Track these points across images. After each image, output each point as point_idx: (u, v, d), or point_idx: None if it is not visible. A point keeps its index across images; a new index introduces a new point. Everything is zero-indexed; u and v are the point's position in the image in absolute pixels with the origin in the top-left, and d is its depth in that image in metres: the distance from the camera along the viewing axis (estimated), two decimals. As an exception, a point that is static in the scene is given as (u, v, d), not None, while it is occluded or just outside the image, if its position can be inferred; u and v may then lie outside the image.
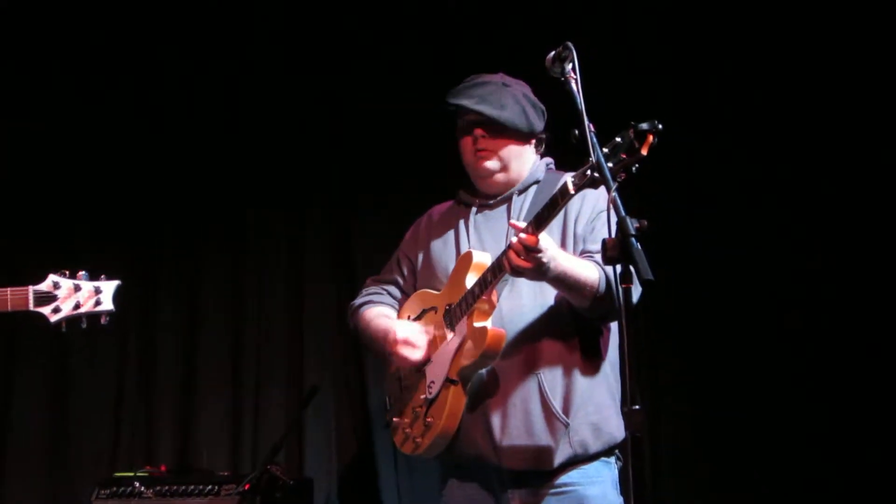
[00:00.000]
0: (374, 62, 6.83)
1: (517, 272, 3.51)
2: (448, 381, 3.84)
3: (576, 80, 3.35)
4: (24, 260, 6.17)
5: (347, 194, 6.75)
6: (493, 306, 3.76)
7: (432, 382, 3.90)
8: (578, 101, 3.33)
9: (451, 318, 3.89)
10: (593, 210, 3.83)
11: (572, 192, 3.40)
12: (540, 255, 3.47)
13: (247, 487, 5.17)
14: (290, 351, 6.49)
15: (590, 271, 3.65)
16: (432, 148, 6.33)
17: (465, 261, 3.90)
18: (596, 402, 3.79)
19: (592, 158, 3.25)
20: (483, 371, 3.81)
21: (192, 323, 6.52)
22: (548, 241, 3.52)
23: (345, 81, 6.85)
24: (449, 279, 3.99)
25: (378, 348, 4.11)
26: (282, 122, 6.84)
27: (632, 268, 2.98)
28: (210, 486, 5.35)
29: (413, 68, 6.72)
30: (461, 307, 3.83)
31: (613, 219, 3.07)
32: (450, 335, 3.89)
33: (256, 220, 6.72)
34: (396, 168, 6.65)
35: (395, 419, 4.12)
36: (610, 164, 3.22)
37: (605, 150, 3.26)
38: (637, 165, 3.20)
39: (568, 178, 3.42)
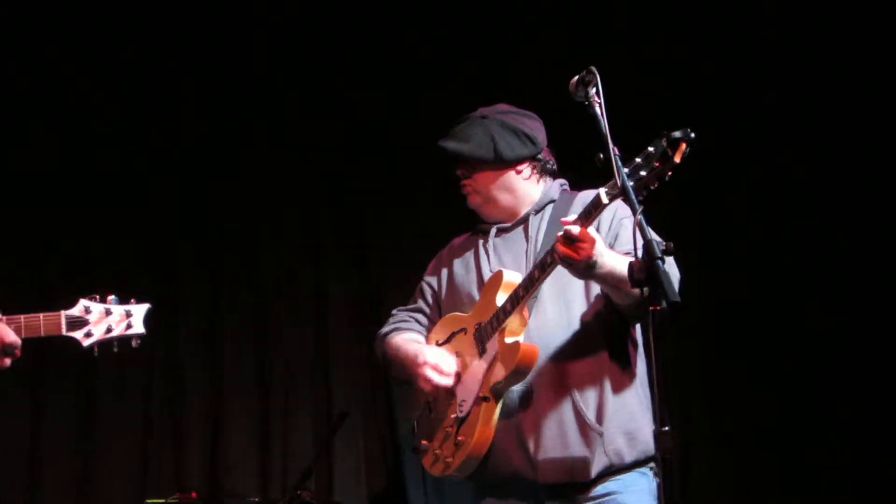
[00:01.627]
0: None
1: (567, 263, 3.46)
2: (480, 399, 3.82)
3: (599, 104, 3.38)
4: (50, 286, 6.24)
5: (368, 220, 6.79)
6: (524, 322, 3.77)
7: (463, 401, 3.88)
8: (603, 124, 3.35)
9: (482, 336, 3.88)
10: (614, 216, 3.83)
11: (606, 201, 3.40)
12: (589, 246, 3.46)
13: (277, 513, 5.17)
14: (316, 377, 6.51)
15: (625, 267, 3.48)
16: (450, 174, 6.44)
17: (495, 280, 3.91)
18: (629, 411, 3.78)
19: (618, 182, 3.29)
20: (514, 387, 3.80)
21: (218, 349, 6.54)
22: (596, 235, 3.49)
23: (371, 101, 6.87)
24: (478, 300, 3.99)
25: (407, 373, 4.08)
26: (301, 144, 6.87)
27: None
28: (239, 512, 5.33)
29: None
30: (492, 325, 3.82)
31: (640, 241, 3.11)
32: (481, 353, 3.88)
33: (278, 246, 6.75)
34: (417, 192, 6.67)
35: (423, 442, 4.09)
36: (643, 174, 3.28)
37: (638, 159, 3.30)
38: (670, 174, 3.24)
39: (601, 190, 3.40)
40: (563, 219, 3.54)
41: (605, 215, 3.83)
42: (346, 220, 6.82)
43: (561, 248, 3.43)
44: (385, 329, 4.26)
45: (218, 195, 6.82)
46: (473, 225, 4.23)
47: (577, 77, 3.43)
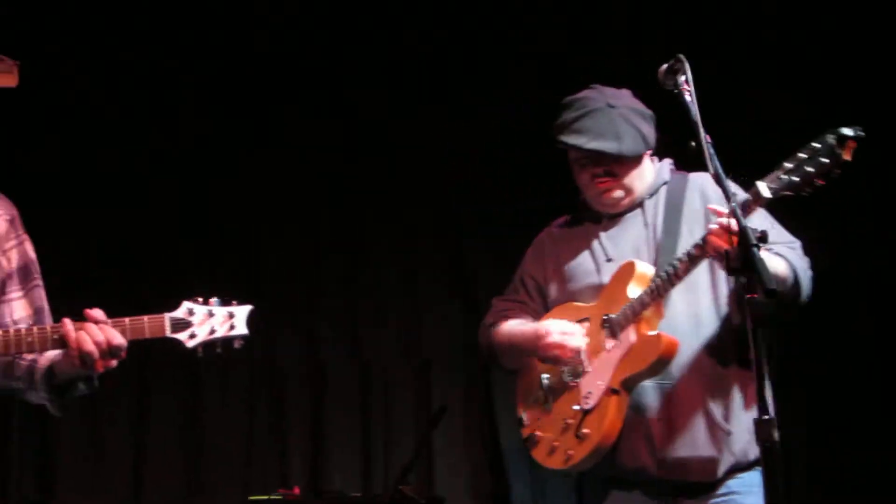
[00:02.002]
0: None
1: (722, 257, 3.36)
2: (610, 391, 3.75)
3: (689, 91, 3.38)
4: (149, 290, 6.30)
5: (459, 212, 6.76)
6: (661, 315, 3.72)
7: (589, 393, 3.79)
8: (693, 112, 3.34)
9: (612, 327, 3.81)
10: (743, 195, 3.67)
11: (769, 195, 3.37)
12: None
13: (379, 508, 5.19)
14: (416, 372, 6.54)
15: (782, 266, 3.62)
16: (540, 161, 6.37)
17: (626, 271, 3.83)
18: (753, 410, 3.56)
19: (711, 170, 3.28)
20: (648, 383, 3.75)
21: (316, 347, 6.60)
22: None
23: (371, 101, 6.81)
24: (604, 290, 3.90)
25: (525, 353, 4.00)
26: (389, 142, 6.83)
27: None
28: (343, 508, 5.37)
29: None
30: (625, 316, 3.76)
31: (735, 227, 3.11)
32: (610, 344, 3.82)
33: (370, 245, 6.76)
34: (507, 180, 6.66)
35: (537, 433, 3.98)
36: (809, 169, 3.27)
37: (803, 154, 3.29)
38: (838, 172, 3.23)
39: (761, 183, 3.38)
40: (713, 207, 3.51)
41: (696, 198, 3.87)
42: (437, 217, 6.81)
43: (716, 241, 3.39)
44: (489, 319, 4.18)
45: (312, 195, 6.84)
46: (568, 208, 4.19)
47: (665, 66, 3.42)
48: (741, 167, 3.78)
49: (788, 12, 6.60)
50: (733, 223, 3.22)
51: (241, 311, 3.45)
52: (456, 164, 6.67)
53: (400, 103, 6.72)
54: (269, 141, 6.85)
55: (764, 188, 3.37)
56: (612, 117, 3.83)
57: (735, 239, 3.23)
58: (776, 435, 2.99)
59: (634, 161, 3.90)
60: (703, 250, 3.46)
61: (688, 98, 3.37)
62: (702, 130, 3.31)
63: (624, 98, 3.92)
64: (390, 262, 6.70)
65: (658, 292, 3.69)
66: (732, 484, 3.70)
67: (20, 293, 3.73)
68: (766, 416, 3.02)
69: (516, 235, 6.10)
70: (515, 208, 6.48)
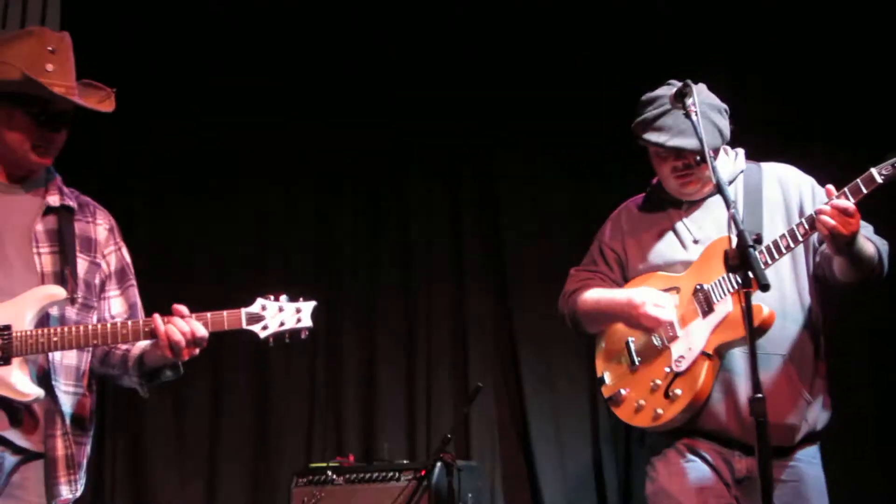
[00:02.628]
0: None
1: (833, 235, 3.39)
2: (704, 355, 3.66)
3: (695, 111, 3.38)
4: (230, 288, 6.23)
5: (497, 197, 6.71)
6: (755, 289, 3.39)
7: (681, 357, 3.69)
8: (699, 130, 3.36)
9: (707, 297, 3.71)
10: (814, 193, 3.75)
11: (880, 181, 3.36)
12: (857, 222, 3.41)
13: (422, 473, 5.16)
14: (454, 354, 6.50)
15: (870, 248, 3.59)
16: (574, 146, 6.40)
17: (719, 245, 3.65)
18: (822, 387, 3.73)
19: (714, 180, 3.28)
20: (738, 349, 3.64)
21: (372, 330, 6.58)
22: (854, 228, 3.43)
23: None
24: (695, 264, 3.78)
25: (614, 318, 3.92)
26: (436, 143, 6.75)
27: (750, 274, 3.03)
28: (391, 473, 5.40)
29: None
30: (721, 287, 3.66)
31: (733, 231, 3.10)
32: (704, 312, 3.72)
33: (420, 235, 6.72)
34: (544, 164, 6.63)
35: (621, 392, 3.87)
36: None
37: None
38: None
39: (875, 169, 3.38)
40: (831, 189, 3.45)
41: (775, 186, 3.83)
42: (478, 203, 6.74)
43: (830, 222, 3.35)
44: (571, 287, 4.07)
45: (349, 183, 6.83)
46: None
47: (675, 90, 3.43)
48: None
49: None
50: (848, 204, 3.36)
51: (307, 307, 3.48)
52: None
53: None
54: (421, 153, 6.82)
55: (876, 174, 3.36)
56: (686, 120, 3.67)
57: (851, 221, 3.38)
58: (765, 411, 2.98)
59: (712, 154, 3.68)
60: (807, 230, 3.43)
61: (694, 118, 3.36)
62: (706, 145, 3.31)
63: (701, 94, 3.77)
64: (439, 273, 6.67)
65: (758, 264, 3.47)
66: (801, 454, 3.65)
67: (117, 292, 3.75)
68: (759, 395, 3.01)
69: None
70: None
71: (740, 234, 3.03)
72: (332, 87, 6.69)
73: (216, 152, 6.70)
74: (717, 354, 3.64)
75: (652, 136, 3.77)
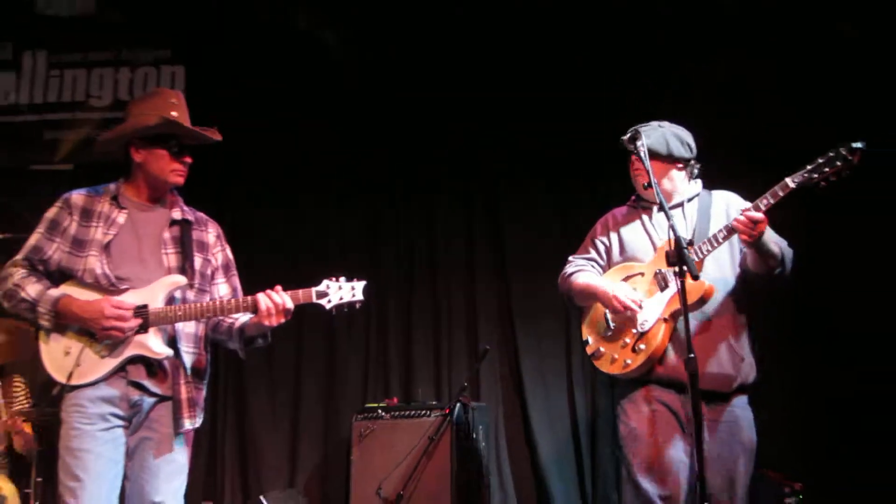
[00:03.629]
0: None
1: (747, 235, 3.41)
2: (661, 320, 3.65)
3: (644, 153, 3.36)
4: (301, 271, 6.12)
5: (498, 206, 6.55)
6: (701, 269, 3.60)
7: (645, 321, 3.67)
8: (647, 165, 3.35)
9: (664, 277, 3.69)
10: (728, 208, 3.74)
11: (793, 186, 3.34)
12: (764, 226, 3.42)
13: (446, 411, 5.18)
14: (468, 323, 6.42)
15: (775, 248, 3.57)
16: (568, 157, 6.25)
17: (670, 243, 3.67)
18: (750, 349, 3.70)
19: (657, 201, 3.24)
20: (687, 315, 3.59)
21: (408, 305, 6.49)
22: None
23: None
24: (655, 255, 3.79)
25: (594, 300, 3.90)
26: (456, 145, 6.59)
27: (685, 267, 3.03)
28: (423, 412, 5.39)
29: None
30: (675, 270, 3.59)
31: (673, 236, 3.11)
32: (662, 288, 3.70)
33: (443, 235, 6.59)
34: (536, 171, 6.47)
35: (600, 349, 3.85)
36: (826, 169, 3.24)
37: (822, 159, 3.28)
38: (845, 173, 3.21)
39: (789, 179, 3.35)
40: (746, 209, 3.43)
41: (721, 206, 3.80)
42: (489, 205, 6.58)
43: (741, 225, 3.38)
44: (569, 270, 4.03)
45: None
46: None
47: (627, 136, 3.41)
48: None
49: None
50: (756, 214, 3.37)
51: (359, 285, 3.50)
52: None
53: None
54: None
55: (790, 181, 3.32)
56: (652, 129, 3.76)
57: (760, 226, 3.39)
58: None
59: (657, 160, 3.78)
60: (726, 234, 3.46)
61: (642, 155, 3.35)
62: (653, 178, 3.31)
63: (673, 127, 3.86)
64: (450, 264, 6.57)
65: (698, 255, 3.59)
66: (737, 401, 3.61)
67: (224, 279, 3.77)
68: (692, 355, 3.00)
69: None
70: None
71: (678, 239, 3.05)
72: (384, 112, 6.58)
73: (286, 167, 6.66)
74: (672, 319, 3.63)
75: (624, 140, 3.71)
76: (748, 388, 3.66)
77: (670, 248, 3.14)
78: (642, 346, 3.66)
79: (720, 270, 3.68)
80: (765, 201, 3.40)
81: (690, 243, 3.46)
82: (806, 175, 3.30)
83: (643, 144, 3.45)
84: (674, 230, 3.14)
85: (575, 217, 6.00)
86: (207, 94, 6.19)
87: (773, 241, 3.58)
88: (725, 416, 3.58)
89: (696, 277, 3.20)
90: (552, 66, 6.23)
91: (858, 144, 3.20)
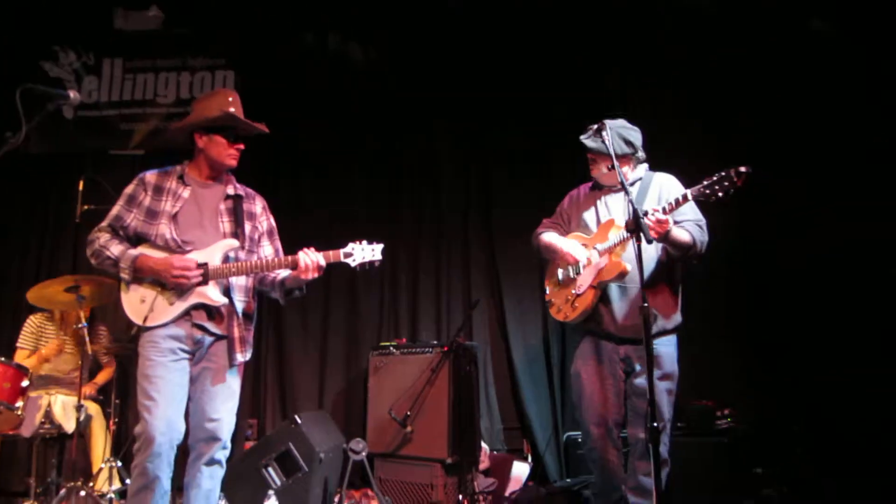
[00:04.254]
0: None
1: (655, 233, 3.45)
2: (591, 286, 3.77)
3: (609, 142, 3.34)
4: (331, 235, 6.18)
5: (490, 173, 6.44)
6: (624, 250, 3.72)
7: (581, 285, 3.82)
8: (611, 151, 3.33)
9: (598, 253, 3.80)
10: (678, 195, 3.69)
11: (691, 198, 3.36)
12: (667, 225, 3.47)
13: (445, 349, 5.17)
14: (463, 277, 6.37)
15: (686, 237, 3.64)
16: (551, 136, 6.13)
17: (609, 223, 3.83)
18: (671, 305, 3.75)
19: (625, 188, 3.21)
20: (613, 284, 3.76)
21: (415, 264, 6.42)
22: (671, 222, 3.50)
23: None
24: (598, 230, 3.88)
25: (556, 255, 3.99)
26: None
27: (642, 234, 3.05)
28: (426, 348, 5.36)
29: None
30: (607, 249, 3.76)
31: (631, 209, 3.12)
32: (597, 260, 3.80)
33: (447, 206, 6.47)
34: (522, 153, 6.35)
35: (553, 300, 4.00)
36: (717, 188, 3.21)
37: (715, 177, 3.24)
38: (732, 191, 3.19)
39: (689, 192, 3.37)
40: (656, 211, 3.45)
41: (672, 193, 3.74)
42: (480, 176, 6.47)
43: (651, 226, 3.41)
44: (539, 230, 4.15)
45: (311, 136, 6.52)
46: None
47: (595, 126, 3.39)
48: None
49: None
50: (660, 216, 3.42)
51: (378, 247, 3.53)
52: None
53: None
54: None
55: (689, 194, 3.36)
56: (604, 130, 3.72)
57: (664, 226, 3.44)
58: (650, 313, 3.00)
59: (622, 162, 3.83)
60: (644, 227, 3.35)
61: (608, 143, 3.34)
62: (617, 164, 3.30)
63: (618, 126, 3.83)
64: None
65: (621, 239, 3.70)
66: (657, 342, 3.68)
67: (268, 242, 3.78)
68: (646, 304, 3.00)
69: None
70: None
71: (636, 211, 3.05)
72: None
73: (322, 150, 6.58)
74: (599, 286, 3.77)
75: (581, 137, 3.84)
76: (669, 331, 3.75)
77: (629, 218, 3.17)
78: (577, 305, 3.83)
79: (644, 248, 3.75)
80: (668, 206, 3.48)
81: (646, 213, 3.48)
82: (701, 189, 3.35)
83: (608, 134, 3.47)
84: (633, 204, 3.17)
85: (553, 191, 5.96)
86: (253, 93, 6.10)
87: (687, 229, 3.66)
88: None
89: (649, 241, 3.25)
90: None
91: (743, 169, 3.18)
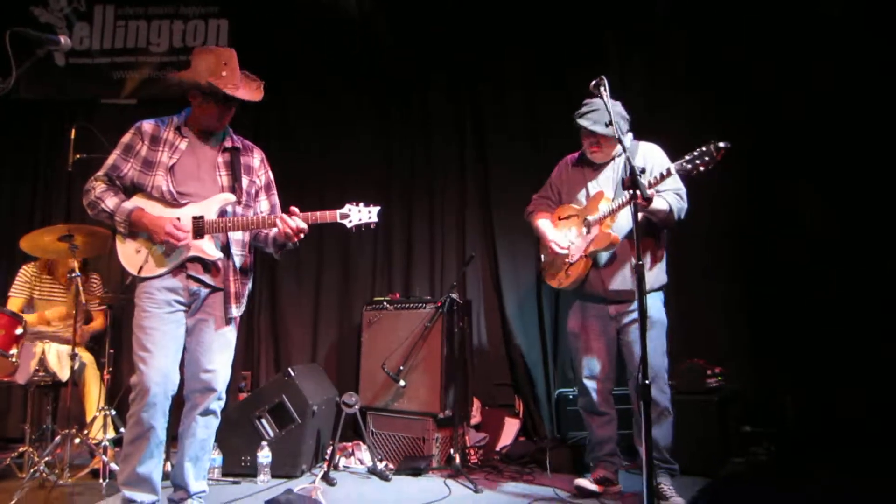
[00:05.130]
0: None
1: (641, 207, 3.62)
2: (583, 256, 4.00)
3: (606, 96, 3.34)
4: (328, 198, 6.21)
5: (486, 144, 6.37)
6: (613, 220, 3.91)
7: (573, 255, 4.03)
8: (610, 108, 3.33)
9: (589, 224, 4.00)
10: (661, 167, 3.80)
11: (674, 171, 3.48)
12: (650, 203, 3.67)
13: (439, 304, 5.19)
14: (458, 233, 6.37)
15: (665, 206, 3.83)
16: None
17: (599, 196, 4.00)
18: (657, 266, 3.96)
19: (624, 149, 3.26)
20: (603, 252, 3.95)
21: (409, 221, 6.42)
22: (654, 196, 3.73)
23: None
24: (588, 203, 4.06)
25: (541, 240, 4.24)
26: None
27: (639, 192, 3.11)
28: (420, 304, 5.38)
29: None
30: (598, 220, 3.94)
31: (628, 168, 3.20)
32: (587, 232, 4.00)
33: (441, 164, 6.44)
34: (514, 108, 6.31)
35: (548, 268, 4.23)
36: (697, 162, 3.32)
37: (696, 153, 3.35)
38: (712, 166, 3.31)
39: (672, 166, 3.48)
40: (644, 188, 3.52)
41: (655, 165, 3.92)
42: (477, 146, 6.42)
43: (638, 201, 3.41)
44: (530, 209, 4.37)
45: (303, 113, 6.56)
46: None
47: (594, 82, 3.40)
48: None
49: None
50: (647, 192, 3.58)
51: (375, 209, 3.53)
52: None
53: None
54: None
55: (672, 168, 3.49)
56: (605, 113, 3.83)
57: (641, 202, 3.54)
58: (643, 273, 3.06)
59: (612, 140, 4.01)
60: (633, 198, 3.40)
61: (607, 100, 3.35)
62: (614, 122, 3.34)
63: (616, 105, 3.95)
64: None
65: (611, 210, 3.89)
66: (644, 299, 3.81)
67: (265, 197, 3.78)
68: (640, 262, 3.04)
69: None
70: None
71: (633, 170, 3.08)
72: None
73: (324, 105, 6.54)
74: (590, 256, 3.99)
75: (581, 121, 4.01)
76: (655, 290, 3.96)
77: (626, 177, 3.21)
78: (570, 273, 4.04)
79: (626, 217, 3.92)
80: (654, 180, 3.65)
81: (643, 171, 3.74)
82: (683, 164, 3.46)
83: (606, 89, 3.45)
84: (630, 161, 3.19)
85: (545, 150, 6.00)
86: (246, 42, 6.10)
87: (666, 199, 3.83)
88: (637, 311, 3.84)
89: (647, 200, 3.41)
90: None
91: (722, 144, 3.27)
